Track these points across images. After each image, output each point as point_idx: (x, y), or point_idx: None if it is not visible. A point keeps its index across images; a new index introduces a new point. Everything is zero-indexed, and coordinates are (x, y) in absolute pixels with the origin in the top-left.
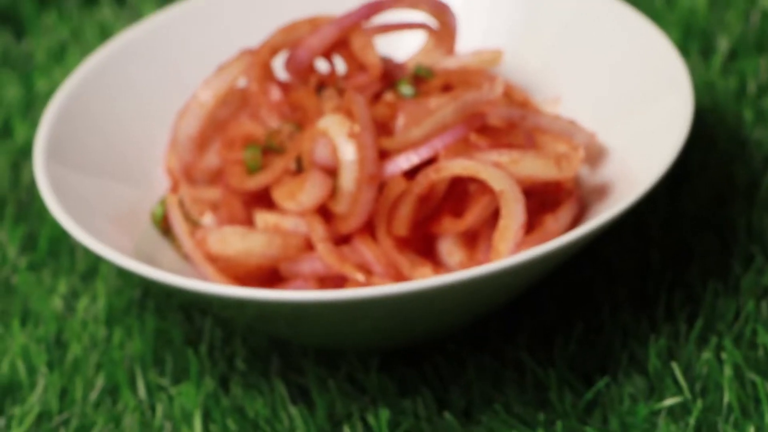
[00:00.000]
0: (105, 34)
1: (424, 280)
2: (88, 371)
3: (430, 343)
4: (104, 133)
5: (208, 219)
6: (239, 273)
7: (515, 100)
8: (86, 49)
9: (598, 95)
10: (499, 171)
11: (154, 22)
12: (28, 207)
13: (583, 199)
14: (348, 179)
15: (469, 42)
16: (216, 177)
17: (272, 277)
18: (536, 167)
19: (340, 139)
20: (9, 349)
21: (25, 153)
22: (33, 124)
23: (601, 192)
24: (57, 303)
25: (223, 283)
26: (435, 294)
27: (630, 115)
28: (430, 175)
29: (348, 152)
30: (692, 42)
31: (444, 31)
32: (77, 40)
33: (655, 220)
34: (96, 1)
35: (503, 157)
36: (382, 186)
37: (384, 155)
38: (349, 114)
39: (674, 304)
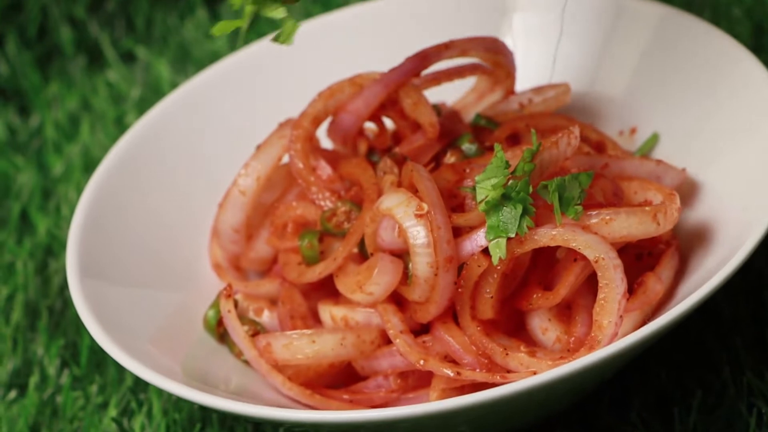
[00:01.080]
0: (116, 98)
1: (527, 379)
2: None
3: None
4: (139, 233)
5: (266, 317)
6: (310, 376)
7: (591, 140)
8: (98, 118)
9: (684, 126)
10: (592, 236)
11: (178, 95)
12: (63, 315)
13: (680, 244)
14: (422, 265)
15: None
16: (269, 268)
17: (348, 374)
18: (632, 225)
19: (407, 220)
20: None
21: (50, 251)
22: (54, 215)
23: (700, 235)
24: (110, 425)
25: (294, 391)
26: (540, 390)
27: (723, 148)
28: (514, 249)
29: (419, 235)
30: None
31: (500, 71)
32: (87, 109)
33: (764, 256)
34: (102, 62)
35: (593, 218)
36: (460, 266)
37: (458, 231)
38: (412, 188)
39: None
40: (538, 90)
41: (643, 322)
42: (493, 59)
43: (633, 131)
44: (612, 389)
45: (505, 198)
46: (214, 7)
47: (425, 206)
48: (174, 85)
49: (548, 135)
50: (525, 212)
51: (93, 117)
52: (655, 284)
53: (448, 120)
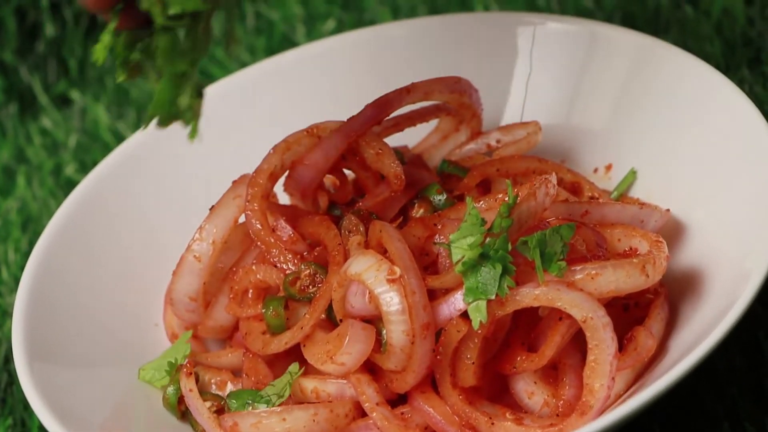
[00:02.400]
0: (52, 147)
1: None
2: None
3: None
4: (89, 305)
5: (230, 390)
6: None
7: (566, 182)
8: (34, 170)
9: (663, 161)
10: (578, 294)
11: (122, 150)
12: (9, 391)
13: (672, 286)
14: (397, 333)
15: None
16: (230, 335)
17: None
18: (619, 279)
19: (379, 286)
20: None
21: None
22: None
23: (689, 281)
24: None
25: None
26: None
27: (707, 184)
28: (495, 311)
29: (393, 302)
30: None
31: (465, 111)
32: (23, 161)
33: (758, 297)
34: (35, 109)
35: (578, 274)
36: (438, 332)
37: (434, 294)
38: (381, 248)
39: None
40: (506, 129)
41: (635, 380)
42: (458, 100)
43: (608, 168)
44: None
45: (483, 257)
46: None
47: (397, 270)
48: (113, 130)
49: (521, 180)
50: (505, 272)
51: (29, 168)
52: (646, 339)
53: (414, 168)
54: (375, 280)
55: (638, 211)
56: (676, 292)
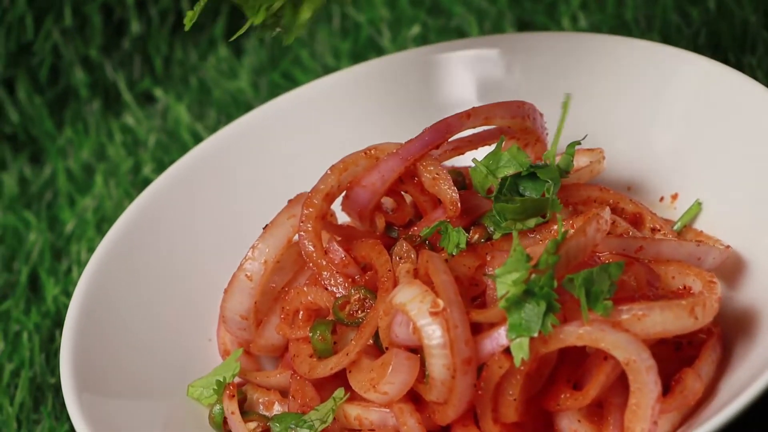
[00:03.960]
0: (132, 145)
1: None
2: None
3: None
4: (138, 330)
5: (277, 411)
6: None
7: (627, 212)
8: (113, 168)
9: (729, 193)
10: (622, 335)
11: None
12: None
13: (728, 324)
14: (438, 367)
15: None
16: (282, 354)
17: None
18: (667, 321)
19: (422, 318)
20: None
21: (58, 322)
22: (64, 279)
23: (745, 319)
24: None
25: None
26: None
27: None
28: (538, 349)
29: (434, 335)
30: None
31: (529, 136)
32: (102, 158)
33: None
34: (118, 106)
35: (624, 314)
36: (480, 366)
37: (478, 327)
38: (428, 278)
39: None
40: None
41: (682, 422)
42: (520, 124)
43: (674, 197)
44: None
45: (528, 294)
46: (237, 43)
47: (441, 303)
48: (192, 131)
49: (581, 209)
50: (549, 309)
51: (108, 166)
52: (694, 383)
53: (472, 194)
54: (418, 312)
55: (695, 248)
56: (733, 330)
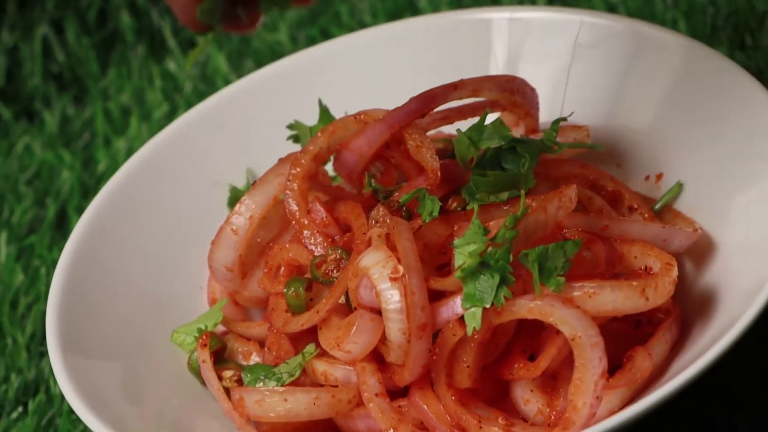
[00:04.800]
0: (168, 92)
1: None
2: None
3: None
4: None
5: (254, 361)
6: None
7: (606, 189)
8: (148, 112)
9: (710, 175)
10: (571, 311)
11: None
12: None
13: (691, 305)
14: (395, 330)
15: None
16: (265, 306)
17: (328, 427)
18: (617, 300)
19: (382, 283)
20: None
21: None
22: None
23: (709, 300)
24: None
25: None
26: None
27: (748, 203)
28: (491, 320)
29: (392, 300)
30: None
31: (518, 110)
32: (140, 102)
33: None
34: (162, 52)
35: (576, 291)
36: (437, 332)
37: (441, 295)
38: (395, 247)
39: None
40: (562, 130)
41: (632, 398)
42: (509, 98)
43: (659, 177)
44: None
45: (483, 266)
46: None
47: (401, 269)
48: (228, 80)
49: (560, 184)
50: (503, 282)
51: (144, 110)
52: (643, 361)
53: (455, 165)
54: (379, 277)
55: (661, 230)
56: (695, 313)
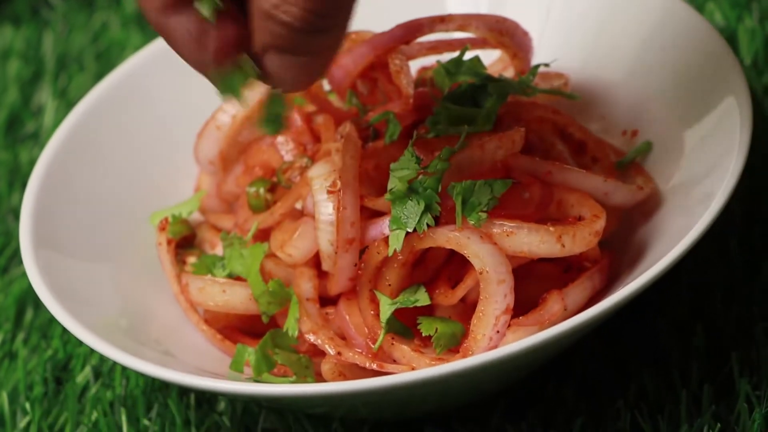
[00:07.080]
0: None
1: (389, 377)
2: None
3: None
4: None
5: (219, 252)
6: (230, 321)
7: (573, 137)
8: None
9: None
10: (485, 246)
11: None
12: None
13: (635, 249)
14: (324, 241)
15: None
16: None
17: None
18: (532, 243)
19: (320, 194)
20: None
21: None
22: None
23: (640, 258)
24: None
25: (206, 334)
26: (404, 388)
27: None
28: (413, 244)
29: (325, 211)
30: None
31: (507, 51)
32: None
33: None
34: None
35: (495, 228)
36: (364, 249)
37: (374, 214)
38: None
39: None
40: (544, 76)
41: None
42: (497, 39)
43: (634, 133)
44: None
45: (412, 191)
46: None
47: (338, 183)
48: None
49: (531, 125)
50: (428, 209)
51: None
52: (554, 305)
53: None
54: (319, 188)
55: (602, 183)
56: (627, 266)
